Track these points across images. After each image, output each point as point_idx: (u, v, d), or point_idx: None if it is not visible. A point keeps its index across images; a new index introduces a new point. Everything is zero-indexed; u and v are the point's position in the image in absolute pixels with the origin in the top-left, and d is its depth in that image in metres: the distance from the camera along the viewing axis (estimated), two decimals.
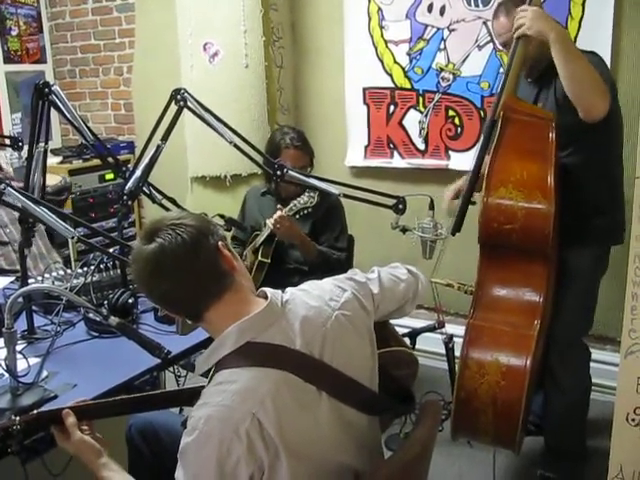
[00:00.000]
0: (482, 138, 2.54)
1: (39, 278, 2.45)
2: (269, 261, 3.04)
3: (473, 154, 2.59)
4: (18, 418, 1.51)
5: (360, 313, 1.53)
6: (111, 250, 2.48)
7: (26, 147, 2.29)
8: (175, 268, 1.33)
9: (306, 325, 1.42)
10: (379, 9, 3.61)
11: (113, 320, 1.87)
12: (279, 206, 2.90)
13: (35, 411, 1.58)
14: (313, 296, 1.50)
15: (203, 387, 1.55)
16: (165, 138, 2.38)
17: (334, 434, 1.40)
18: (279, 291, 1.49)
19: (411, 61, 3.60)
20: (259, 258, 3.05)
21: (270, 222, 2.88)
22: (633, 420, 2.01)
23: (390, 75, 3.67)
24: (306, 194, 2.80)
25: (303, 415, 1.35)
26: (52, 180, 3.37)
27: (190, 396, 1.67)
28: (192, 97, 2.37)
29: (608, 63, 2.69)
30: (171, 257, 1.33)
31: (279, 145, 3.01)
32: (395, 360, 1.62)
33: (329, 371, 1.41)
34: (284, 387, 1.33)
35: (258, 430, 1.26)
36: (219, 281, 1.38)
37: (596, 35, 3.00)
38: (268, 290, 1.47)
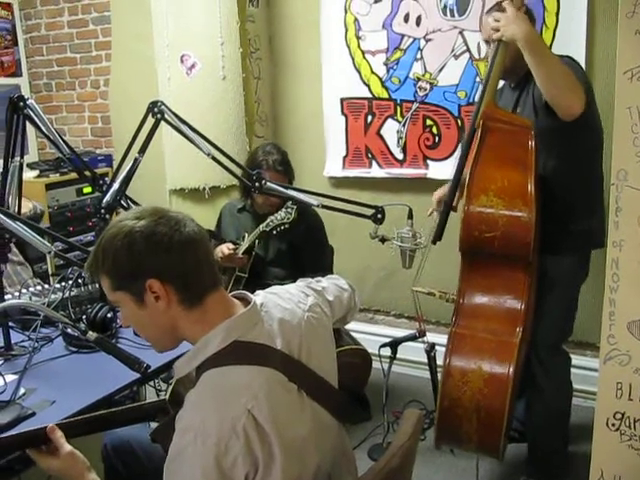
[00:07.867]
0: (462, 147, 2.55)
1: (16, 294, 2.42)
2: (246, 275, 3.03)
3: (452, 163, 2.60)
4: None
5: (323, 317, 1.56)
6: None
7: (1, 161, 2.26)
8: (206, 250, 1.40)
9: (284, 326, 1.43)
10: (356, 20, 3.63)
11: (91, 335, 1.86)
12: (231, 245, 2.92)
13: (11, 433, 1.52)
14: (284, 299, 1.52)
15: (164, 400, 1.54)
16: (142, 151, 2.37)
17: (316, 436, 1.39)
18: None
19: (388, 71, 3.62)
20: (236, 272, 3.03)
21: (218, 257, 2.90)
22: (613, 425, 2.02)
23: (367, 85, 3.68)
24: (283, 210, 2.79)
25: (292, 413, 1.34)
26: (23, 207, 3.22)
27: (153, 410, 1.65)
28: (169, 109, 2.36)
29: None
30: (205, 239, 1.40)
31: (260, 165, 2.95)
32: (344, 363, 1.62)
33: (308, 372, 1.42)
34: (275, 384, 1.32)
35: (254, 426, 1.24)
36: (217, 273, 1.42)
37: (570, 44, 3.02)
38: (244, 292, 1.48)
